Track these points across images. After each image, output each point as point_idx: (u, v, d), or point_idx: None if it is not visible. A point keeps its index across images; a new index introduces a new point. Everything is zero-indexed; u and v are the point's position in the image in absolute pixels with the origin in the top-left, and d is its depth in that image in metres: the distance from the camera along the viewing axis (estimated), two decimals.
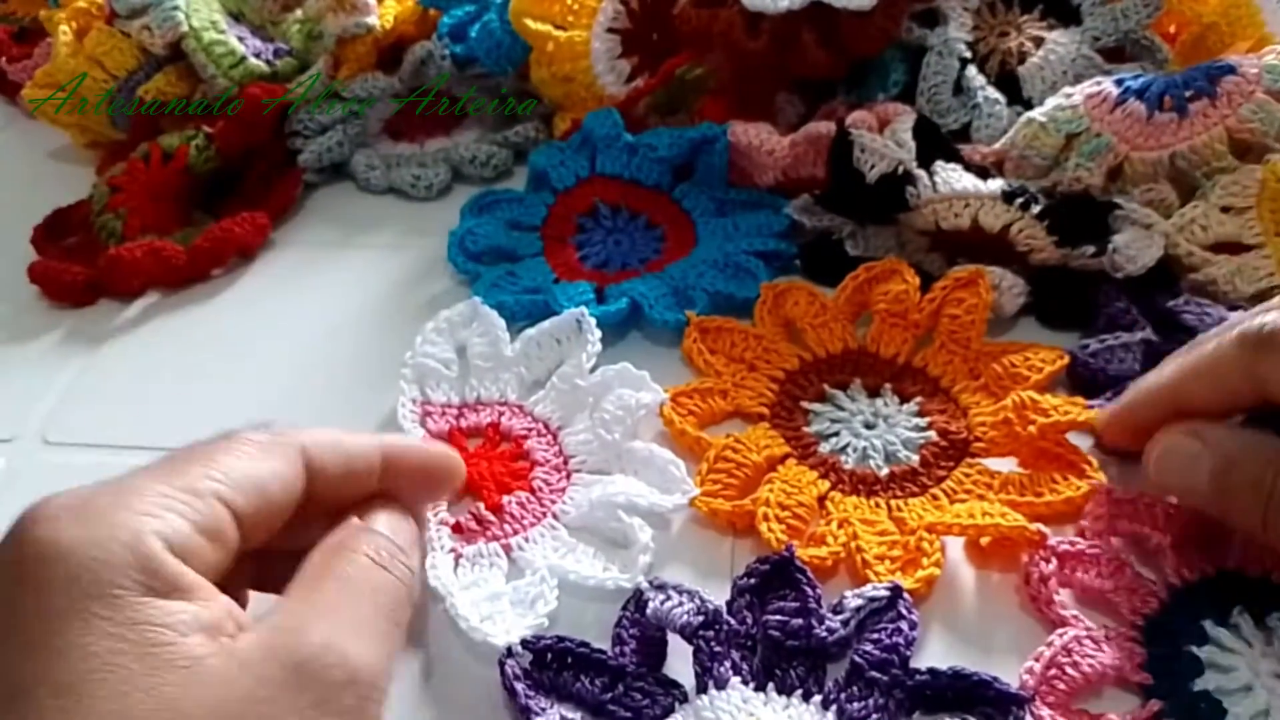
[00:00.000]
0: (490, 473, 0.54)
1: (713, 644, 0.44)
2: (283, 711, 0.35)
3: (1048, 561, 0.46)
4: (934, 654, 0.45)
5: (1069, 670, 0.43)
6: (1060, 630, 0.44)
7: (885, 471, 0.53)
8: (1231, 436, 0.46)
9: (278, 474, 0.42)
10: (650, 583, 0.46)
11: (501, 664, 0.44)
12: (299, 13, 0.80)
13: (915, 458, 0.53)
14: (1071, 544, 0.47)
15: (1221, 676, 0.43)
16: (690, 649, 0.44)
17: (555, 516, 0.52)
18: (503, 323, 0.60)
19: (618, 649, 0.45)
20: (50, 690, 0.33)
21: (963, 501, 0.51)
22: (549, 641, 0.45)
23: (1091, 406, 0.52)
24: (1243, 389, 0.46)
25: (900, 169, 0.62)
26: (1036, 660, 0.43)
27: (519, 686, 0.43)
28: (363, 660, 0.37)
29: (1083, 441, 0.53)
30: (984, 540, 0.49)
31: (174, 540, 0.37)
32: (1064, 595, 0.46)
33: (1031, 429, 0.51)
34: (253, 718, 0.34)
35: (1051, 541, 0.47)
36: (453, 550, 0.50)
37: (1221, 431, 0.46)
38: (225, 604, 0.37)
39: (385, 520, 0.45)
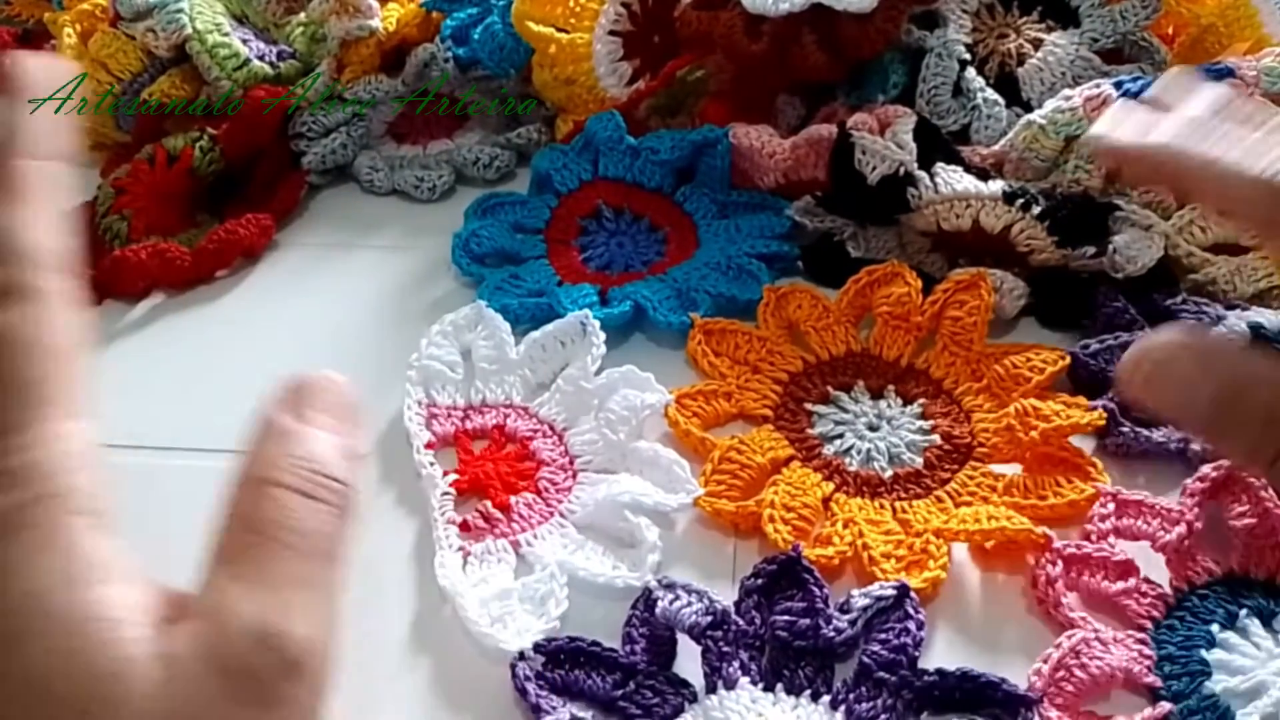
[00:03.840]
0: (496, 473, 0.54)
1: (721, 644, 0.45)
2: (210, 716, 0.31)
3: (1054, 565, 0.47)
4: (940, 655, 0.46)
5: (1077, 672, 0.43)
6: (1069, 632, 0.45)
7: (889, 474, 0.53)
8: (1240, 360, 0.39)
9: None
10: (659, 582, 0.47)
11: (513, 666, 0.44)
12: (302, 15, 0.80)
13: (919, 460, 0.54)
14: (1078, 547, 0.47)
15: (1230, 679, 0.44)
16: (699, 648, 0.45)
17: (562, 515, 0.52)
18: (507, 326, 0.60)
19: (628, 648, 0.45)
20: None
21: (967, 504, 0.51)
22: (560, 642, 0.45)
23: (1094, 408, 0.53)
24: None
25: (901, 171, 0.63)
26: (1044, 661, 0.44)
27: (530, 686, 0.44)
28: (301, 638, 0.32)
29: (1086, 444, 0.53)
30: (989, 543, 0.49)
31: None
32: (1071, 598, 0.46)
33: (1034, 434, 0.52)
34: None
35: (1058, 545, 0.48)
36: (461, 549, 0.51)
37: (1227, 353, 0.39)
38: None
39: (308, 420, 0.38)
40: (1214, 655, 0.44)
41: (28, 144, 0.35)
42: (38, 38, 0.89)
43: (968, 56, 0.72)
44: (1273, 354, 0.39)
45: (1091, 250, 0.60)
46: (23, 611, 0.31)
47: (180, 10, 0.75)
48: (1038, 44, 0.72)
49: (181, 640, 0.31)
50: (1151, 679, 0.44)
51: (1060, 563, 0.47)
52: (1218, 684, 0.43)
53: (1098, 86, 0.65)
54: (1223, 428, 0.38)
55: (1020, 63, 0.72)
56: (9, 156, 0.35)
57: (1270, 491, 0.48)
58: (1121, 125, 0.45)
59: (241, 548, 0.34)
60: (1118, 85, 0.65)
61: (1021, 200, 0.61)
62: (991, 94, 0.70)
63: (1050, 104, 0.66)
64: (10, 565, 0.31)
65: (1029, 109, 0.68)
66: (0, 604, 0.31)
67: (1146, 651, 0.45)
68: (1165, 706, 0.43)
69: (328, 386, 0.40)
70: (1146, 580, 0.47)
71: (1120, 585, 0.46)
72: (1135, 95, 0.64)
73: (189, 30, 0.75)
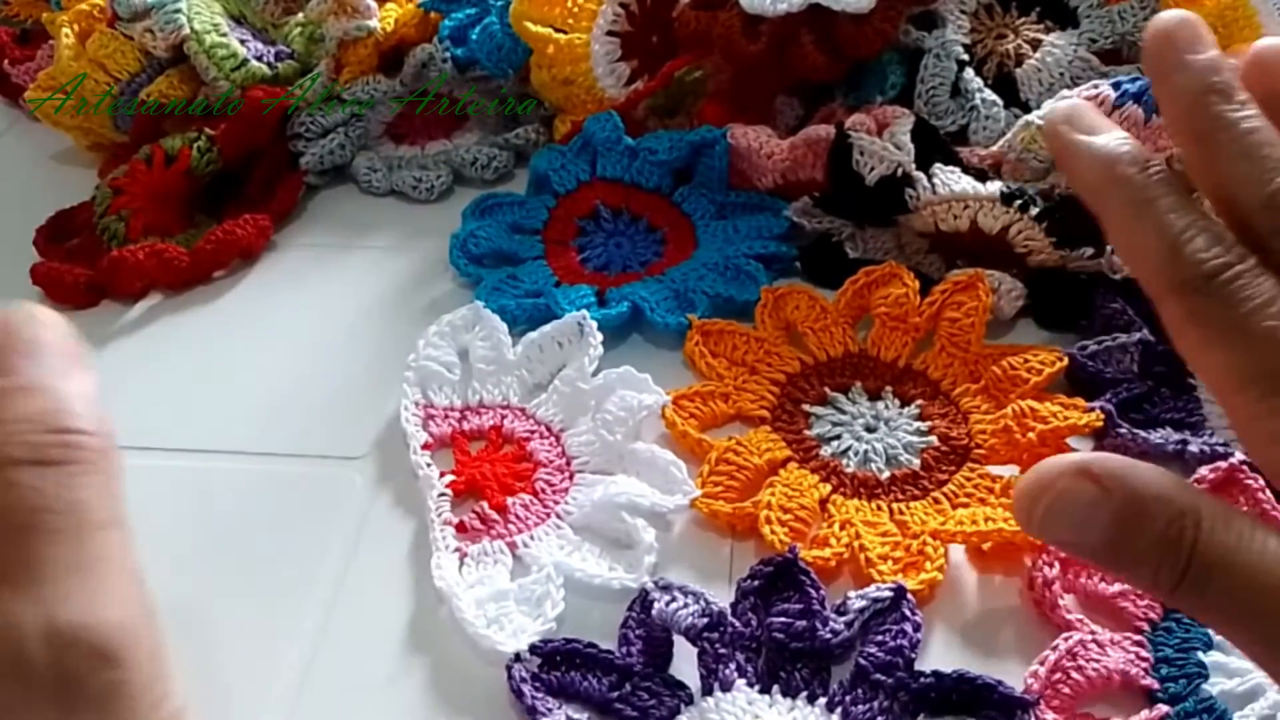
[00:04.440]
0: (493, 474, 0.54)
1: (717, 646, 0.44)
2: None
3: (1051, 566, 0.47)
4: (937, 657, 0.46)
5: (1074, 674, 0.43)
6: (1065, 634, 0.45)
7: (886, 475, 0.53)
8: (1137, 475, 0.35)
9: None
10: (655, 583, 0.47)
11: (509, 667, 0.44)
12: (300, 16, 0.80)
13: (916, 461, 0.54)
14: None
15: (1227, 681, 0.44)
16: (695, 650, 0.45)
17: (559, 516, 0.52)
18: (504, 326, 0.60)
19: (624, 649, 0.45)
20: None
21: (965, 506, 0.51)
22: (557, 643, 0.45)
23: (1092, 409, 0.53)
24: None
25: (899, 171, 0.63)
26: (1041, 664, 0.44)
27: (526, 688, 0.44)
28: (99, 623, 0.29)
29: (1084, 445, 0.53)
30: (986, 545, 0.49)
31: None
32: (1068, 600, 0.46)
33: (1031, 436, 0.52)
34: None
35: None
36: (457, 550, 0.51)
37: (1124, 469, 0.35)
38: None
39: (14, 371, 0.32)
40: (1211, 657, 0.44)
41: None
42: (36, 38, 0.89)
43: (966, 57, 0.72)
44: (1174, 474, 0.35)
45: (1089, 251, 0.60)
46: None
47: (178, 11, 0.75)
48: (1036, 44, 0.72)
49: None
50: (1148, 681, 0.44)
51: (1057, 564, 0.47)
52: (1215, 686, 0.43)
53: (1096, 87, 0.65)
54: (1122, 552, 0.35)
55: (1018, 63, 0.72)
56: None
57: (1268, 493, 0.48)
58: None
59: None
60: (1116, 86, 0.65)
61: (1019, 201, 0.61)
62: (990, 94, 0.70)
63: (1049, 104, 0.66)
64: None
65: (1027, 109, 0.68)
66: None
67: (1143, 653, 0.45)
68: (1162, 709, 0.43)
69: (28, 324, 0.33)
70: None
71: (1117, 587, 0.46)
72: (1134, 96, 0.64)
73: (187, 30, 0.75)
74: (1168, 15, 0.37)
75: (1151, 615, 0.46)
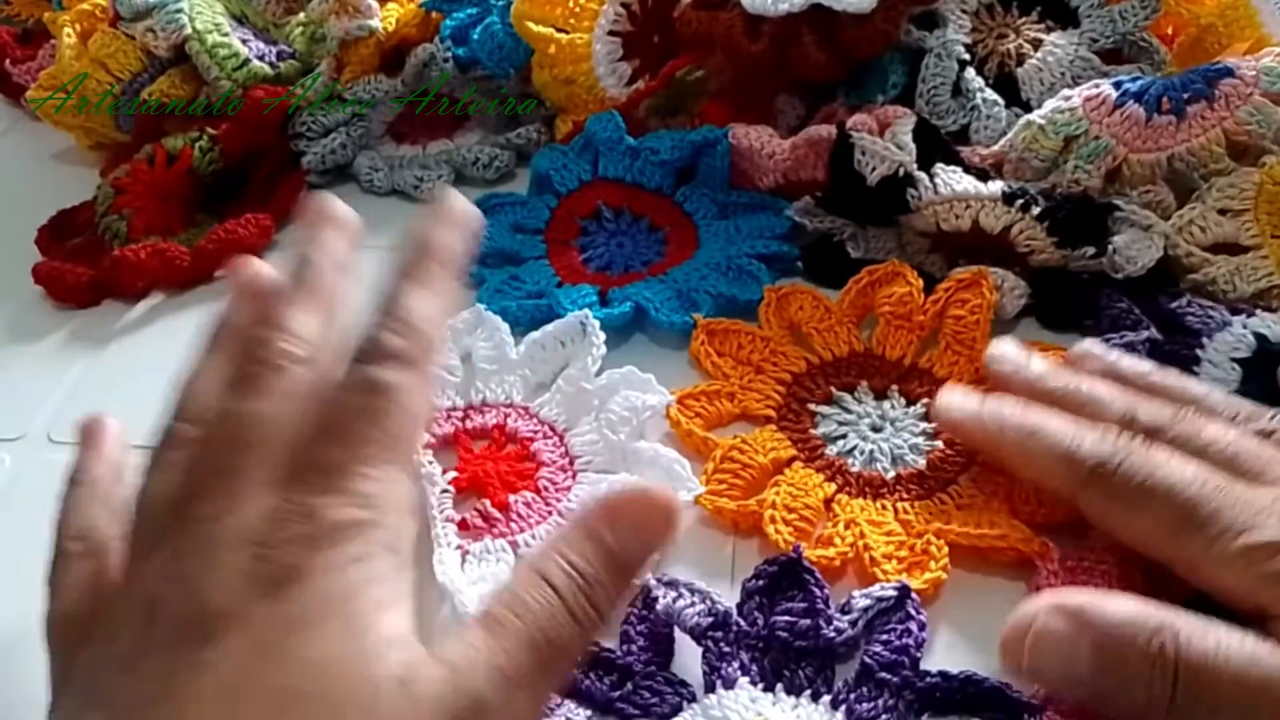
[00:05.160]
0: (496, 472, 0.54)
1: (721, 644, 0.44)
2: None
3: (1056, 575, 0.46)
4: (941, 657, 0.45)
5: None
6: None
7: (892, 474, 0.53)
8: (1108, 603, 0.40)
9: None
10: (659, 580, 0.47)
11: None
12: (302, 15, 0.80)
13: (922, 461, 0.54)
14: (1081, 558, 0.47)
15: None
16: (697, 647, 0.45)
17: (561, 514, 0.52)
18: (506, 326, 0.60)
19: (625, 647, 0.45)
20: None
21: (969, 508, 0.51)
22: None
23: None
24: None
25: (901, 171, 0.63)
26: None
27: None
28: None
29: None
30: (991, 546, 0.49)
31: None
32: None
33: None
34: None
35: (1060, 556, 0.47)
36: (459, 547, 0.51)
37: (1095, 600, 0.40)
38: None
39: (601, 541, 0.38)
40: None
41: (443, 255, 0.45)
42: (37, 37, 0.89)
43: (967, 57, 0.72)
44: (1145, 601, 0.41)
45: (1091, 251, 0.60)
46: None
47: (180, 10, 0.75)
48: (1037, 44, 0.72)
49: (430, 686, 0.35)
50: None
51: (1062, 574, 0.46)
52: None
53: (1097, 87, 0.65)
54: (1111, 674, 0.39)
55: (1020, 63, 0.72)
56: (428, 258, 0.44)
57: None
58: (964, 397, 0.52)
59: (499, 623, 0.37)
60: (1117, 85, 0.65)
61: (1021, 201, 0.61)
62: (991, 94, 0.70)
63: (1049, 104, 0.66)
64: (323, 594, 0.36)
65: (1028, 109, 0.68)
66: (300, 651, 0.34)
67: None
68: None
69: (643, 511, 0.39)
70: (1150, 591, 0.46)
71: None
72: (1135, 95, 0.64)
73: (188, 30, 0.75)
74: (989, 348, 0.55)
75: None
